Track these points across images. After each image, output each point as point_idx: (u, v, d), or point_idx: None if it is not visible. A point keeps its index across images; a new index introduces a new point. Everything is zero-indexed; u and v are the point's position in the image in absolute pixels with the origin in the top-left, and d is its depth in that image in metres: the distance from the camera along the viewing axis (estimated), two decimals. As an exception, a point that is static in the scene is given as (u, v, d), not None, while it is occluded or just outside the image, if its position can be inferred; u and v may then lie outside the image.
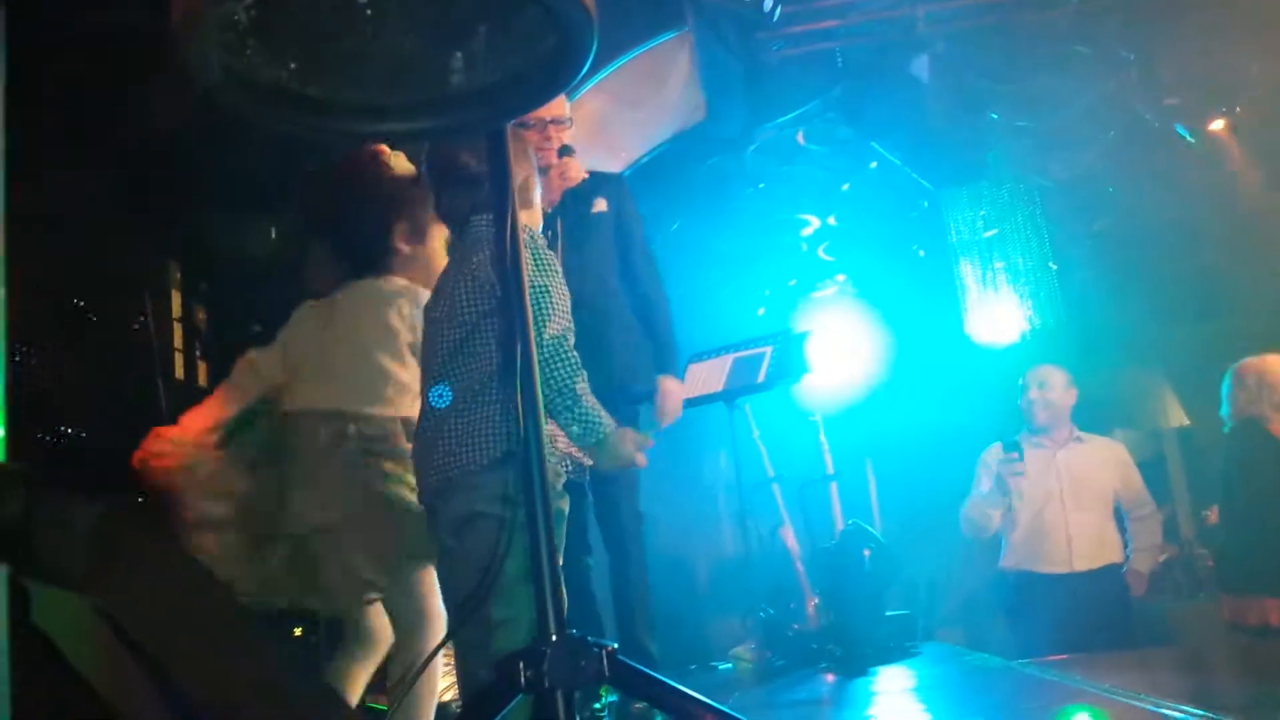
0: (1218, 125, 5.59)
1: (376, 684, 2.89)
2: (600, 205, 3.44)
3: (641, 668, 1.54)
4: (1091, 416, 5.10)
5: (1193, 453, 6.77)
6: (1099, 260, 6.48)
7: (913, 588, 5.84)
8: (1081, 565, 4.46)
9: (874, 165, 6.07)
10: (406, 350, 2.64)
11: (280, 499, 2.60)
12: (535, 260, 2.20)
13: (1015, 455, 4.45)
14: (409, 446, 2.44)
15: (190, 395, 3.91)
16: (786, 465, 5.11)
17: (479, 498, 2.10)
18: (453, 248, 2.41)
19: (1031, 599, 4.55)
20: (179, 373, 3.98)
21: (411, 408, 2.54)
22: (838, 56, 5.15)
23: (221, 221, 3.79)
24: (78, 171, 3.30)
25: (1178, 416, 6.87)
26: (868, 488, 6.65)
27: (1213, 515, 5.37)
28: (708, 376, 4.60)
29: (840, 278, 7.17)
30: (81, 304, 3.54)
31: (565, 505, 2.27)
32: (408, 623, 2.54)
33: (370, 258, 2.71)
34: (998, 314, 6.53)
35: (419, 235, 2.73)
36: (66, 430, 3.37)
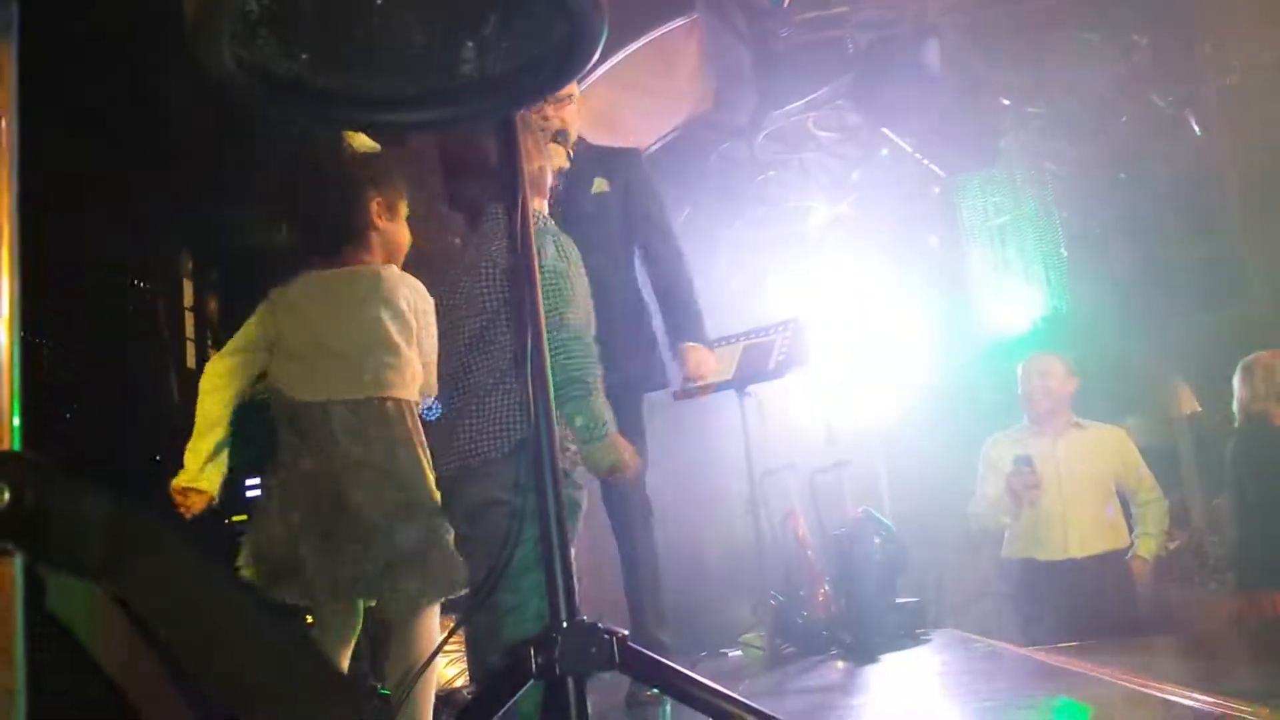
0: (1229, 111, 5.55)
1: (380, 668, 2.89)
2: (601, 186, 3.36)
3: (651, 654, 1.54)
4: (1102, 404, 5.09)
5: (1204, 440, 6.74)
6: (1110, 247, 6.46)
7: (923, 575, 5.84)
8: (1079, 552, 4.44)
9: (884, 152, 6.05)
10: (408, 330, 2.61)
11: (306, 491, 2.57)
12: (556, 248, 2.21)
13: (1028, 469, 4.40)
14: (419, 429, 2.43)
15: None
16: (797, 452, 5.11)
17: (496, 485, 2.11)
18: (469, 237, 2.40)
19: (1033, 586, 4.54)
20: (190, 362, 3.99)
21: (414, 389, 2.53)
22: (848, 43, 5.13)
23: (233, 210, 3.80)
24: (90, 161, 3.31)
25: (1189, 404, 6.85)
26: (878, 475, 6.65)
27: (1223, 506, 5.35)
28: (718, 364, 4.60)
29: (850, 265, 7.16)
30: (94, 294, 3.55)
31: (583, 497, 2.27)
32: (412, 620, 2.54)
33: (348, 237, 2.67)
34: (1009, 301, 6.51)
35: (392, 211, 2.73)
36: (80, 420, 3.39)
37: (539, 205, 2.41)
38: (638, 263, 3.57)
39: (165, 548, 1.00)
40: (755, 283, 7.08)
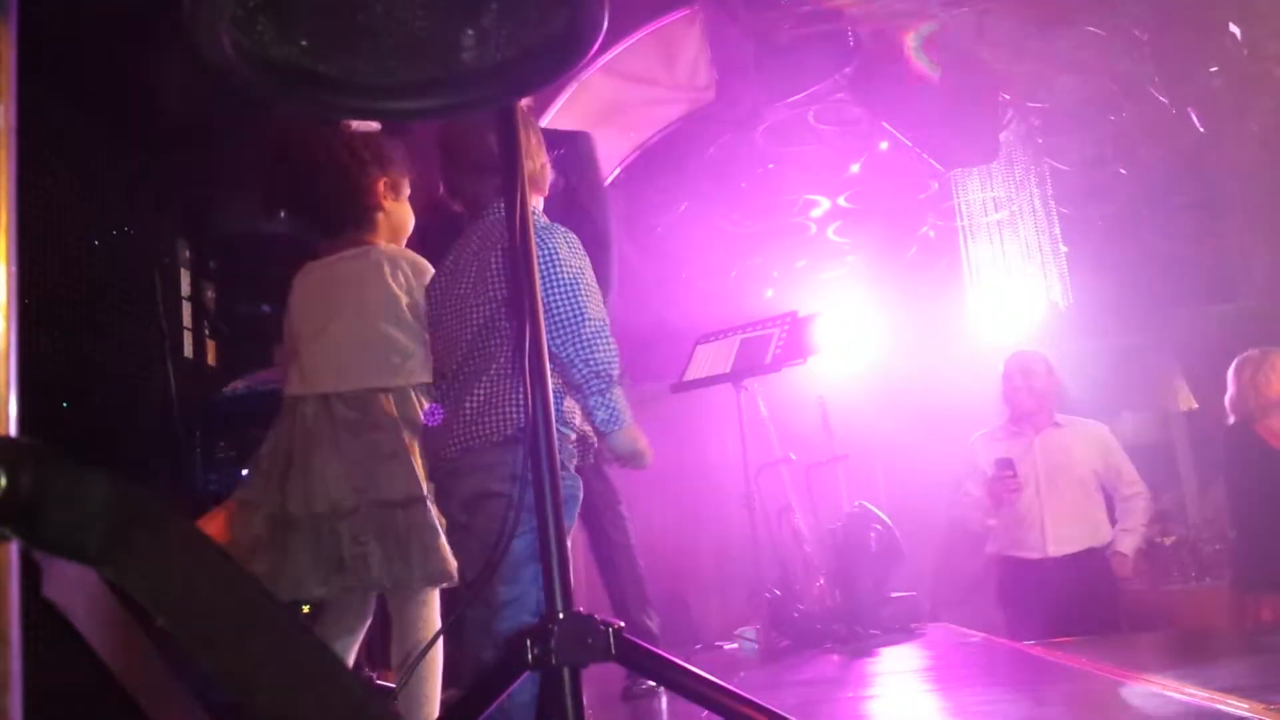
0: (1230, 107, 5.55)
1: (383, 661, 2.90)
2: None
3: (648, 646, 1.54)
4: (1100, 399, 5.10)
5: (1201, 436, 6.77)
6: (1109, 242, 6.46)
7: (918, 569, 5.85)
8: (1057, 550, 4.42)
9: (884, 146, 6.04)
10: (407, 314, 2.60)
11: (297, 484, 2.57)
12: (568, 245, 2.21)
13: (1009, 474, 4.40)
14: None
15: (199, 374, 3.92)
16: (793, 446, 5.11)
17: (494, 477, 2.11)
18: (470, 227, 2.39)
19: (1014, 584, 4.54)
20: (188, 351, 3.98)
21: (420, 374, 2.53)
22: (849, 36, 5.12)
23: (231, 198, 3.79)
24: (87, 149, 3.30)
25: (1186, 400, 6.87)
26: (874, 469, 6.66)
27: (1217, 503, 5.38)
28: (715, 357, 4.60)
29: (849, 258, 7.16)
30: (90, 282, 3.54)
31: (579, 490, 2.27)
32: (408, 606, 2.54)
33: (355, 218, 2.67)
34: (1007, 296, 6.51)
35: (397, 190, 2.72)
36: (76, 408, 3.38)
37: (537, 202, 2.40)
38: None
39: (167, 532, 1.00)
40: (753, 276, 7.08)
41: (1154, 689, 2.63)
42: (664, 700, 3.18)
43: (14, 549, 1.09)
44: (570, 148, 3.35)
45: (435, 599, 2.54)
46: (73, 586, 1.11)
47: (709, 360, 4.63)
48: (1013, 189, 6.29)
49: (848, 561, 4.58)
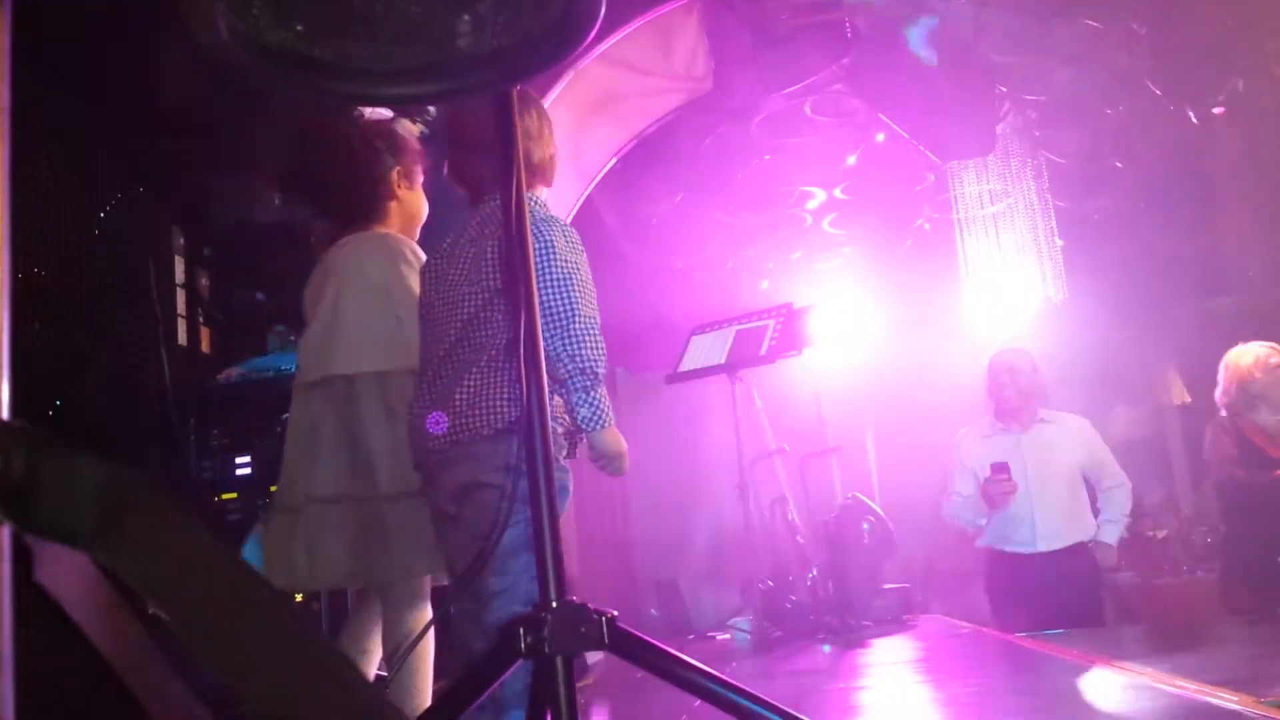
0: (1228, 101, 5.56)
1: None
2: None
3: (641, 635, 1.54)
4: (1093, 393, 5.10)
5: (1194, 430, 6.78)
6: (1105, 236, 6.47)
7: (910, 561, 5.87)
8: (1046, 546, 4.42)
9: (881, 138, 6.04)
10: (387, 299, 2.59)
11: (284, 473, 2.58)
12: (566, 239, 2.20)
13: (1004, 477, 4.41)
14: None
15: (193, 362, 3.91)
16: (787, 438, 5.12)
17: (484, 467, 2.10)
18: (470, 212, 2.38)
19: (1004, 577, 4.55)
20: (182, 339, 3.98)
21: (399, 360, 2.51)
22: (846, 27, 5.11)
23: (226, 186, 3.78)
24: (81, 135, 3.29)
25: (1180, 394, 6.88)
26: (868, 461, 6.67)
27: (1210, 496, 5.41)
28: (710, 348, 4.60)
29: (845, 250, 7.16)
30: (84, 269, 3.53)
31: (570, 481, 2.27)
32: (398, 597, 2.53)
33: (369, 207, 2.68)
34: (1003, 289, 6.52)
35: (410, 179, 2.73)
36: (69, 395, 3.38)
37: (542, 192, 2.39)
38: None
39: (159, 516, 1.00)
40: (748, 267, 7.08)
41: (1144, 681, 2.64)
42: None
43: (5, 533, 1.09)
44: None
45: (423, 589, 2.53)
46: (65, 571, 1.11)
47: (704, 351, 4.63)
48: (1009, 182, 6.28)
49: (840, 553, 4.59)
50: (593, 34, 1.32)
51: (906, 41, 5.04)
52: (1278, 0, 4.93)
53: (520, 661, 1.46)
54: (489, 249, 2.21)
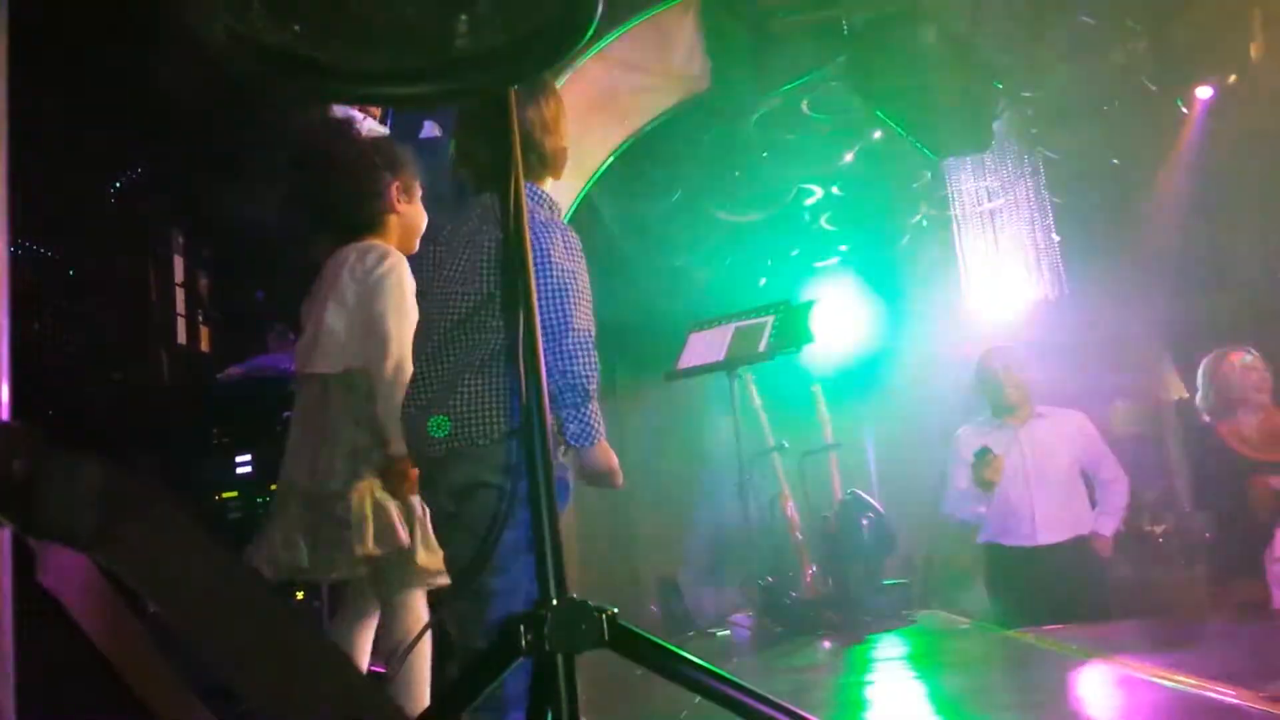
0: (1222, 97, 5.56)
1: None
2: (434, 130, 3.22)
3: (642, 632, 1.54)
4: (1090, 389, 5.11)
5: (1191, 426, 6.78)
6: (1102, 232, 6.46)
7: (910, 557, 5.88)
8: (1046, 539, 4.46)
9: (878, 135, 6.04)
10: (363, 302, 2.64)
11: (289, 464, 2.61)
12: (565, 244, 2.16)
13: (990, 454, 4.42)
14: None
15: (192, 361, 3.91)
16: (787, 435, 5.12)
17: (484, 468, 2.07)
18: (471, 201, 2.35)
19: (1005, 571, 4.57)
20: (181, 338, 3.98)
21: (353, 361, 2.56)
22: (843, 24, 5.11)
23: (225, 186, 3.78)
24: (81, 135, 3.29)
25: (1177, 389, 6.88)
26: (867, 458, 6.67)
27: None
28: (709, 345, 4.61)
29: (843, 248, 7.16)
30: (84, 269, 3.53)
31: (570, 478, 2.25)
32: (394, 597, 2.56)
33: (368, 221, 2.71)
34: (1000, 285, 6.52)
35: (409, 194, 2.75)
36: (69, 395, 3.38)
37: (547, 184, 2.36)
38: None
39: (159, 517, 1.00)
40: (747, 265, 7.08)
41: (1143, 675, 2.65)
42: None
43: (6, 535, 1.09)
44: None
45: (424, 597, 2.56)
46: (66, 571, 1.11)
47: (703, 348, 4.64)
48: (1006, 178, 6.29)
49: (840, 549, 4.59)
50: (590, 33, 1.32)
51: (903, 39, 5.04)
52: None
53: (521, 660, 1.46)
54: (487, 245, 2.17)
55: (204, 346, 4.03)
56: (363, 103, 2.68)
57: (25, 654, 1.11)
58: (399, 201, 2.72)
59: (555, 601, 1.47)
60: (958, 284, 6.59)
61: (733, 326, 4.62)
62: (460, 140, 2.38)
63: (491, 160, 2.18)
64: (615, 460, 2.20)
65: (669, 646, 1.57)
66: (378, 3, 1.24)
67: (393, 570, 2.51)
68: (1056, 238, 6.38)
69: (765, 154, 6.17)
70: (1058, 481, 4.53)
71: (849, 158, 6.28)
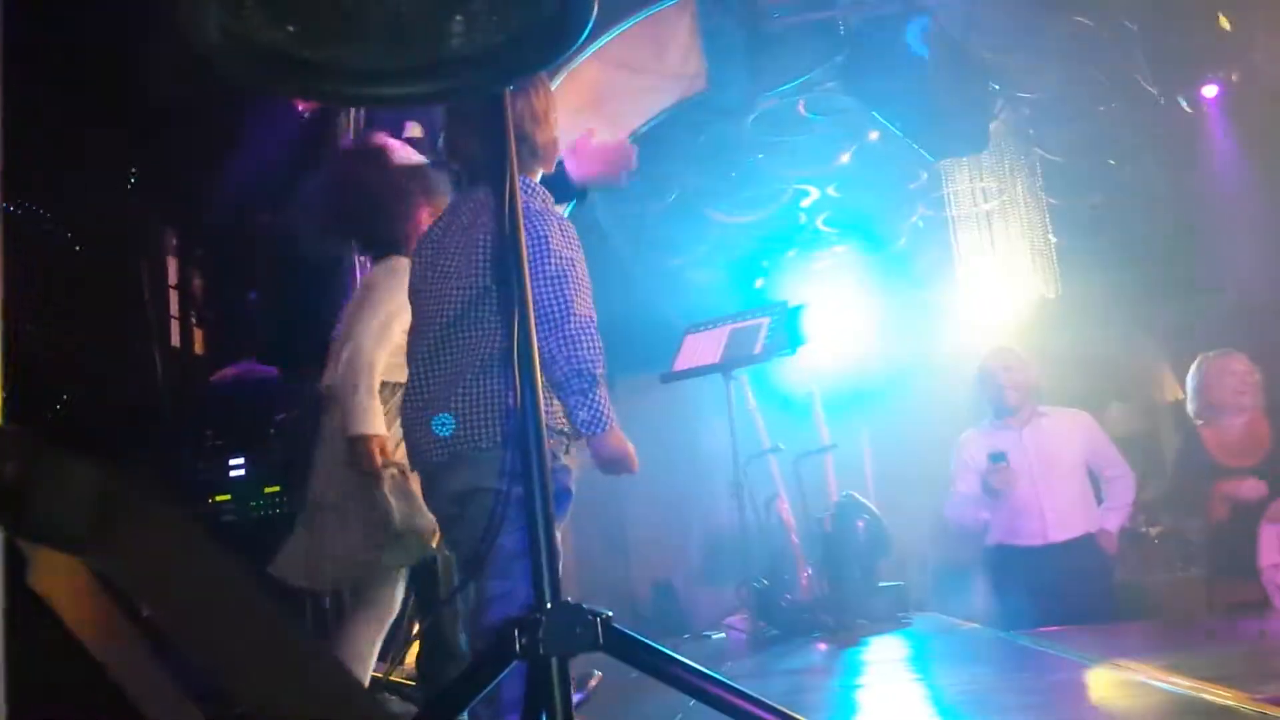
0: (1220, 98, 5.57)
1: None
2: (414, 130, 3.27)
3: (637, 635, 1.54)
4: (1087, 390, 5.11)
5: (1183, 428, 6.79)
6: (1098, 233, 6.47)
7: (905, 559, 5.87)
8: (1057, 536, 4.47)
9: (874, 136, 6.04)
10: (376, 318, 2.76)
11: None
12: (561, 233, 2.15)
13: (1004, 465, 4.44)
14: None
15: (186, 362, 3.90)
16: (782, 436, 5.12)
17: (482, 474, 2.05)
18: (464, 197, 2.33)
19: (1013, 572, 4.57)
20: (175, 340, 3.97)
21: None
22: (839, 25, 5.11)
23: (218, 187, 3.77)
24: (74, 136, 3.28)
25: (1173, 391, 6.88)
26: (863, 460, 6.67)
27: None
28: (705, 347, 4.60)
29: (839, 249, 7.15)
30: (77, 270, 3.52)
31: (572, 482, 2.23)
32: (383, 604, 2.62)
33: (398, 240, 2.84)
34: (996, 286, 6.52)
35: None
36: (63, 397, 3.37)
37: (538, 177, 2.35)
38: None
39: (153, 520, 0.99)
40: (743, 266, 7.07)
41: (1139, 678, 2.65)
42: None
43: (-2, 538, 1.08)
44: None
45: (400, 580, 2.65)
46: (58, 575, 1.10)
47: (699, 350, 4.63)
48: (1002, 179, 6.29)
49: (836, 551, 4.59)
50: (586, 33, 1.32)
51: (900, 39, 5.05)
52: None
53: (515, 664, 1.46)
54: (480, 240, 2.15)
55: (198, 348, 4.02)
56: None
57: (16, 659, 1.10)
58: (426, 224, 2.80)
59: (549, 605, 1.47)
60: (954, 285, 6.59)
61: (729, 328, 4.62)
62: (451, 135, 2.36)
63: (483, 155, 2.17)
64: (630, 446, 2.18)
65: (663, 650, 1.56)
66: (372, 2, 1.23)
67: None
68: (1053, 238, 6.38)
69: (761, 155, 6.17)
70: (1064, 480, 4.54)
71: (845, 158, 6.28)
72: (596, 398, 2.10)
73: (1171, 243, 6.23)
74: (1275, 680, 2.46)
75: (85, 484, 0.98)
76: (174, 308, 3.97)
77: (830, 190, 6.59)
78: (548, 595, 1.48)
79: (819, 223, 6.91)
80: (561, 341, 2.07)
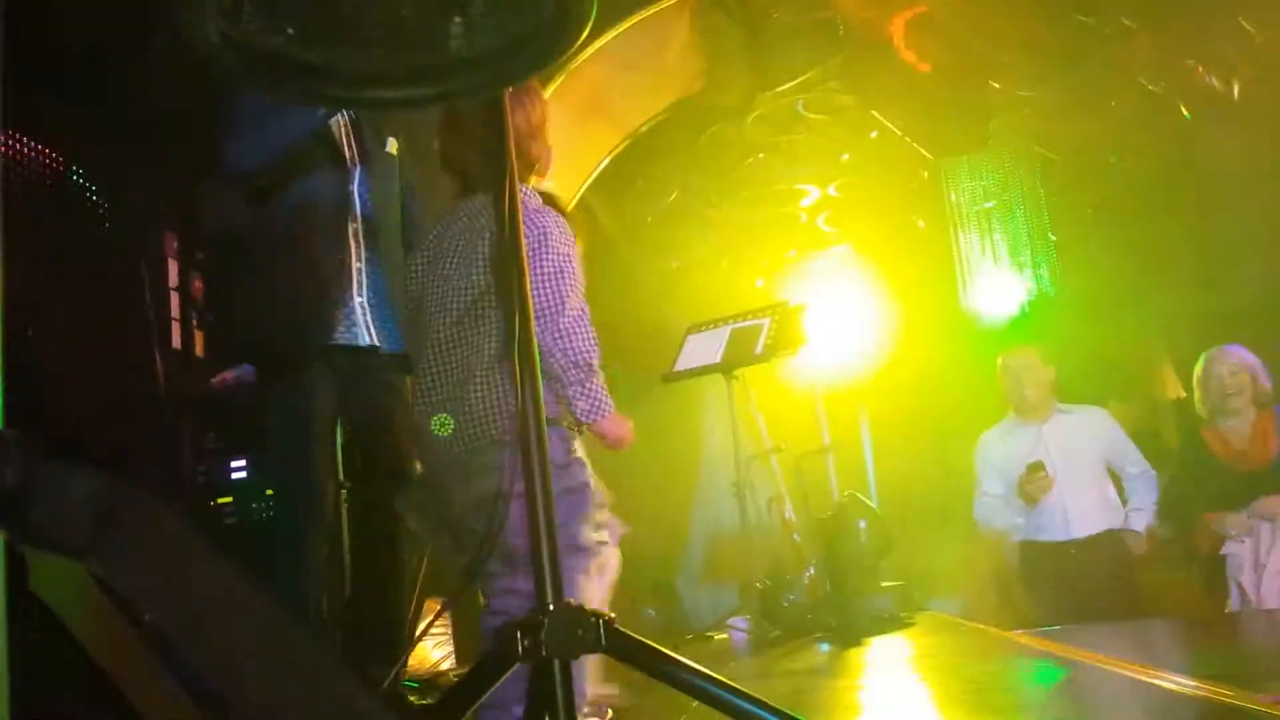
0: (1221, 95, 5.56)
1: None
2: (392, 145, 2.99)
3: (638, 637, 1.54)
4: (1088, 388, 5.11)
5: (1189, 425, 6.78)
6: (1099, 231, 6.47)
7: (908, 559, 5.86)
8: (1080, 532, 4.51)
9: (874, 135, 6.04)
10: None
11: None
12: (559, 230, 2.19)
13: (1042, 474, 4.45)
14: None
15: (187, 365, 3.89)
16: (784, 436, 5.11)
17: (506, 477, 2.06)
18: (461, 203, 2.35)
19: (1039, 567, 4.59)
20: (176, 342, 3.96)
21: None
22: (839, 24, 5.11)
23: (219, 189, 3.76)
24: (74, 138, 3.27)
25: (1174, 389, 6.88)
26: (864, 459, 6.67)
27: None
28: (706, 347, 4.60)
29: (839, 248, 7.15)
30: (77, 273, 3.52)
31: (590, 477, 2.24)
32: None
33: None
34: (997, 285, 6.52)
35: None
36: (63, 401, 3.36)
37: (535, 184, 2.38)
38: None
39: (153, 525, 1.00)
40: (743, 266, 7.07)
41: (1141, 677, 2.64)
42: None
43: (-1, 543, 1.08)
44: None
45: None
46: (59, 580, 1.10)
47: (700, 350, 4.63)
48: (1003, 178, 6.29)
49: (837, 551, 4.58)
50: (585, 34, 1.32)
51: (899, 38, 5.04)
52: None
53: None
54: (481, 244, 2.19)
55: (199, 351, 4.01)
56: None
57: (18, 664, 1.09)
58: None
59: (552, 607, 1.47)
60: (955, 283, 6.59)
61: (730, 328, 4.62)
62: (446, 145, 2.39)
63: (481, 161, 2.21)
64: (629, 428, 2.28)
65: (665, 651, 1.56)
66: (370, 5, 1.23)
67: None
68: (1053, 237, 6.38)
69: (762, 154, 6.17)
70: (1085, 477, 4.57)
71: (846, 158, 6.28)
72: (594, 386, 2.18)
73: (1172, 240, 6.23)
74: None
75: (85, 489, 0.98)
76: (175, 310, 3.96)
77: (831, 190, 6.59)
78: (550, 596, 1.48)
79: (819, 222, 6.91)
80: (557, 335, 2.14)
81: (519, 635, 1.45)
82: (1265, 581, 4.01)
